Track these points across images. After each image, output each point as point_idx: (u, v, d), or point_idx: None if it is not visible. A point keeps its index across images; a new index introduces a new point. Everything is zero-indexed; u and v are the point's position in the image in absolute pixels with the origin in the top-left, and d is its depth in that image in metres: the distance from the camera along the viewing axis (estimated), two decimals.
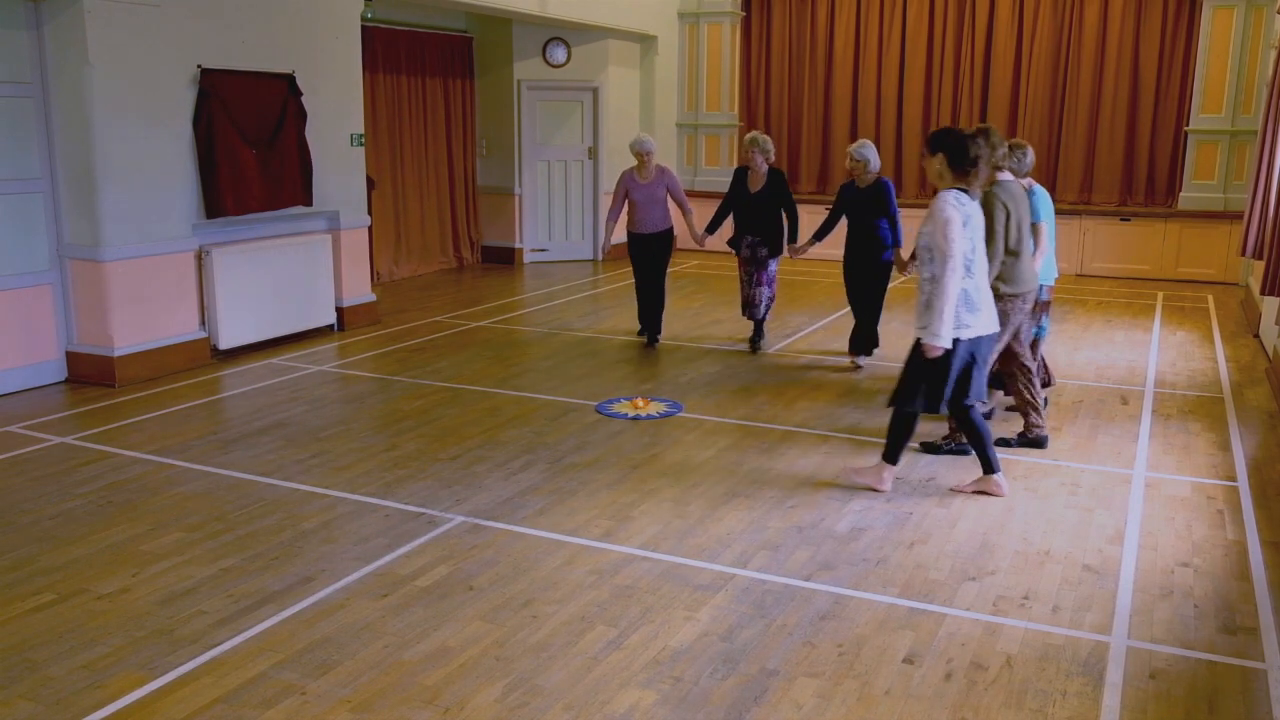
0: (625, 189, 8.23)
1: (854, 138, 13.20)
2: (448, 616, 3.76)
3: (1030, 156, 5.88)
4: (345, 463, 5.45)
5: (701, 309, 9.80)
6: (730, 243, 8.19)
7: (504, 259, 12.81)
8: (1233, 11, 11.29)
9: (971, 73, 12.95)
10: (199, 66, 7.32)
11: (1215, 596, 3.98)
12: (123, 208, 6.92)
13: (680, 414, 6.36)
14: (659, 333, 8.44)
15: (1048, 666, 3.45)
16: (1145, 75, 12.16)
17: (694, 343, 8.37)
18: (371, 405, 6.57)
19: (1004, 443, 5.61)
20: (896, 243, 7.44)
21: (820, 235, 7.78)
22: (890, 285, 7.75)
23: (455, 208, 12.37)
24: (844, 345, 8.21)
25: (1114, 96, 12.30)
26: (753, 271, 8.02)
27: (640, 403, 6.51)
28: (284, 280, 8.09)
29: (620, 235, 8.86)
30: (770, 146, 7.87)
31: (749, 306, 8.17)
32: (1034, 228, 5.63)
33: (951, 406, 4.89)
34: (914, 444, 5.78)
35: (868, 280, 7.57)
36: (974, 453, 5.08)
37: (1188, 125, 11.77)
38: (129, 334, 7.03)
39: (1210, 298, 10.69)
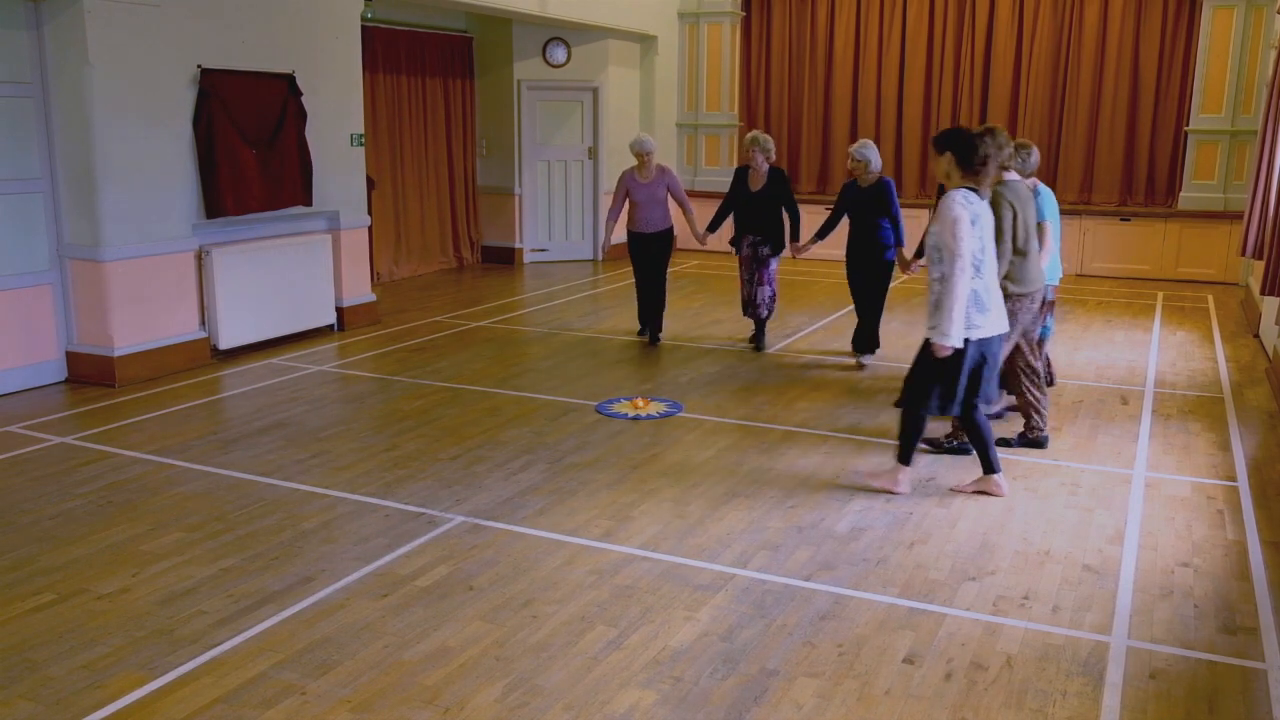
0: (626, 188, 8.26)
1: (854, 138, 13.20)
2: (448, 616, 3.76)
3: (1035, 156, 5.88)
4: (345, 463, 5.45)
5: (701, 309, 9.80)
6: (731, 242, 8.21)
7: (504, 259, 12.81)
8: (1233, 11, 11.29)
9: (971, 73, 12.95)
10: (199, 66, 7.32)
11: (1215, 596, 3.98)
12: (123, 208, 6.92)
13: (680, 414, 6.36)
14: (660, 330, 8.47)
15: (1048, 666, 3.45)
16: (1145, 75, 12.16)
17: (694, 343, 8.37)
18: (371, 405, 6.57)
19: (1004, 443, 5.61)
20: (899, 242, 7.46)
21: (822, 234, 7.80)
22: (891, 285, 7.76)
23: (455, 208, 12.37)
24: (844, 345, 8.22)
25: (1114, 96, 12.30)
26: (754, 271, 8.03)
27: (640, 403, 6.51)
28: (284, 280, 8.09)
29: (620, 235, 8.88)
30: (771, 146, 7.88)
31: (750, 306, 8.18)
32: (1039, 227, 5.63)
33: (959, 406, 4.88)
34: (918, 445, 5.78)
35: (869, 279, 7.59)
36: (975, 452, 5.08)
37: (1188, 125, 11.77)
38: (129, 334, 7.03)
39: (1210, 298, 10.69)
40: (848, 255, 7.68)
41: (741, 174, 8.03)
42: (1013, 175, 5.45)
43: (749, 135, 7.94)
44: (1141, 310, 9.96)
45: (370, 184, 9.82)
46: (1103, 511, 4.82)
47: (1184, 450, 5.74)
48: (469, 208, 12.57)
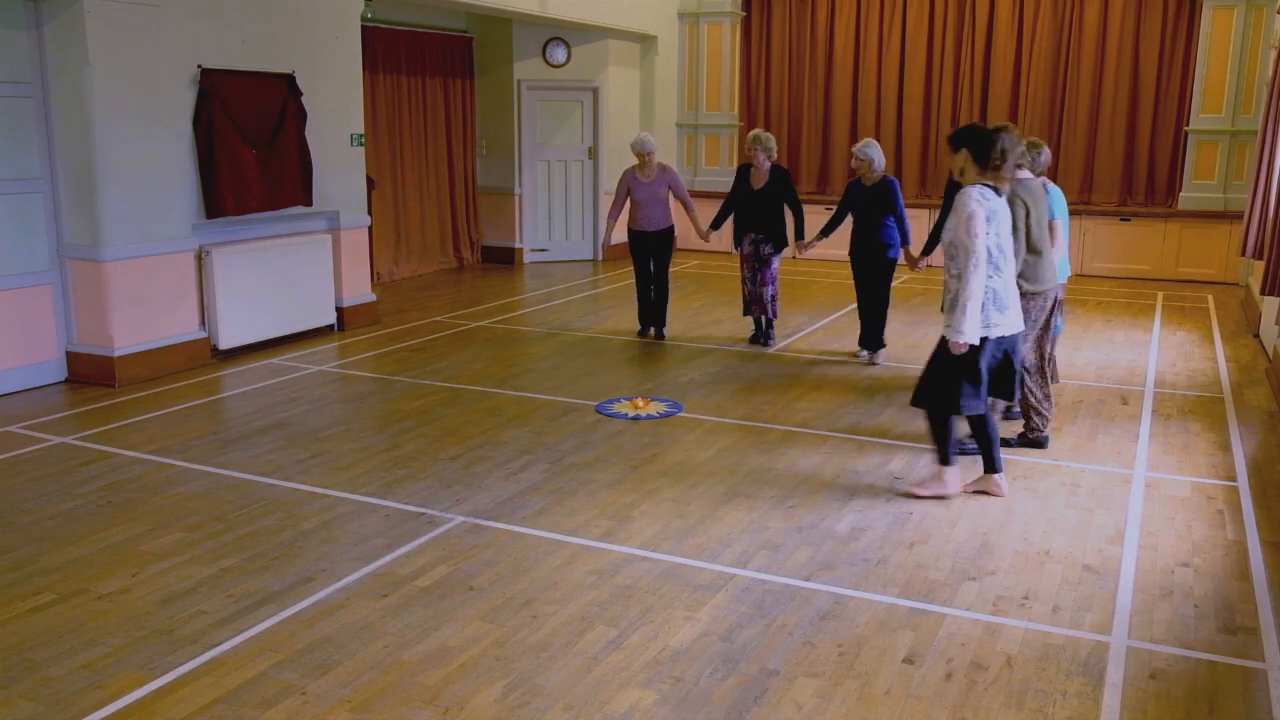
0: (627, 187, 8.31)
1: (854, 138, 13.19)
2: (448, 616, 3.76)
3: (1046, 154, 5.91)
4: (345, 463, 5.45)
5: (701, 309, 9.80)
6: (733, 240, 8.25)
7: (504, 259, 12.81)
8: (1233, 11, 11.28)
9: (971, 73, 12.95)
10: (199, 66, 7.32)
11: (1215, 596, 3.98)
12: (123, 208, 6.92)
13: (680, 414, 6.36)
14: (664, 325, 8.55)
15: (1048, 666, 3.45)
16: (1145, 75, 12.16)
17: (694, 343, 8.37)
18: (371, 405, 6.57)
19: (1004, 442, 5.60)
20: (905, 240, 7.51)
21: (826, 232, 7.85)
22: (894, 284, 7.79)
23: (455, 208, 12.37)
24: (844, 345, 8.23)
25: (1114, 96, 12.30)
26: (756, 270, 8.05)
27: (640, 403, 6.51)
28: (284, 280, 8.09)
29: (621, 235, 8.91)
30: (773, 144, 7.91)
31: (752, 305, 8.20)
32: (1049, 225, 5.64)
33: (984, 404, 4.86)
34: (919, 445, 5.79)
35: (873, 278, 7.64)
36: (978, 451, 5.08)
37: (1188, 125, 11.77)
38: (129, 334, 7.03)
39: (1210, 298, 10.69)
40: (851, 254, 7.73)
41: (744, 172, 8.05)
42: (1025, 173, 5.45)
43: (751, 134, 7.97)
44: (1141, 310, 9.96)
45: (370, 184, 9.82)
46: (1103, 511, 4.82)
47: (1184, 450, 5.74)
48: (469, 208, 12.57)
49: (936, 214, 11.55)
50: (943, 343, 4.77)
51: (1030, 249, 5.30)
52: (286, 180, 8.04)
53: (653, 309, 8.55)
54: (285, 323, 8.18)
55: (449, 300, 10.29)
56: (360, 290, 9.03)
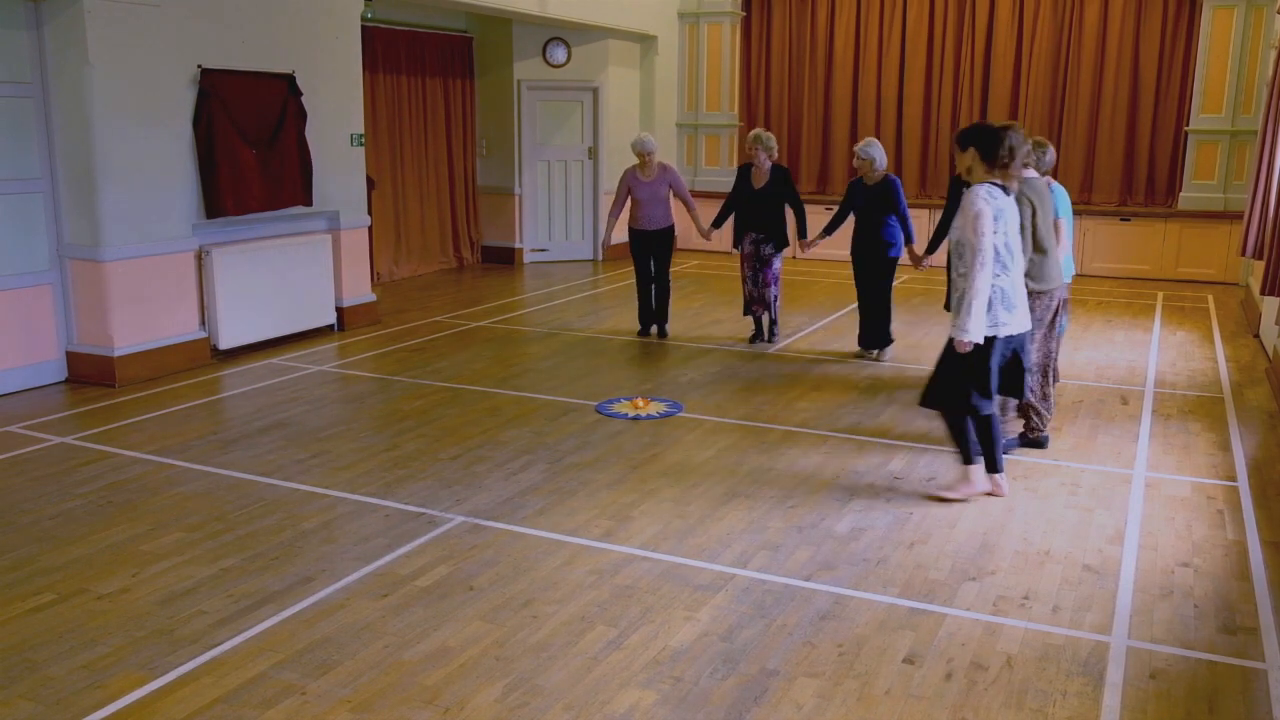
0: (628, 186, 8.36)
1: (854, 138, 13.20)
2: (448, 616, 3.76)
3: (1051, 154, 5.91)
4: (345, 463, 5.45)
5: (701, 309, 9.80)
6: (734, 239, 8.27)
7: (504, 259, 12.81)
8: (1233, 11, 11.28)
9: (971, 73, 12.95)
10: (199, 66, 7.32)
11: (1215, 596, 3.98)
12: (123, 208, 6.92)
13: (680, 414, 6.36)
14: (666, 321, 8.62)
15: (1048, 666, 3.45)
16: (1145, 75, 12.16)
17: (694, 343, 8.37)
18: (372, 405, 6.57)
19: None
20: (909, 239, 7.55)
21: (829, 230, 7.89)
22: (895, 283, 7.81)
23: (455, 208, 12.37)
24: (844, 345, 8.23)
25: (1114, 96, 12.30)
26: (757, 271, 8.08)
27: (640, 403, 6.51)
28: (284, 280, 8.09)
29: (622, 234, 8.93)
30: (773, 144, 7.95)
31: (753, 305, 8.22)
32: (1054, 224, 5.64)
33: (994, 403, 4.86)
34: (919, 445, 5.79)
35: (875, 277, 7.69)
36: (982, 450, 5.09)
37: (1188, 125, 11.77)
38: (129, 334, 7.03)
39: (1210, 298, 10.69)
40: (853, 253, 7.77)
41: (745, 171, 8.09)
42: (1030, 173, 5.44)
43: (752, 133, 8.00)
44: (1141, 310, 9.96)
45: (370, 184, 9.82)
46: (1103, 511, 4.82)
47: (1184, 450, 5.74)
48: (469, 208, 12.57)
49: (936, 214, 11.62)
50: (952, 343, 4.76)
51: (1036, 248, 5.30)
52: (286, 180, 8.04)
53: (654, 308, 8.60)
54: (285, 323, 8.18)
55: (449, 300, 10.29)
56: (360, 290, 9.03)
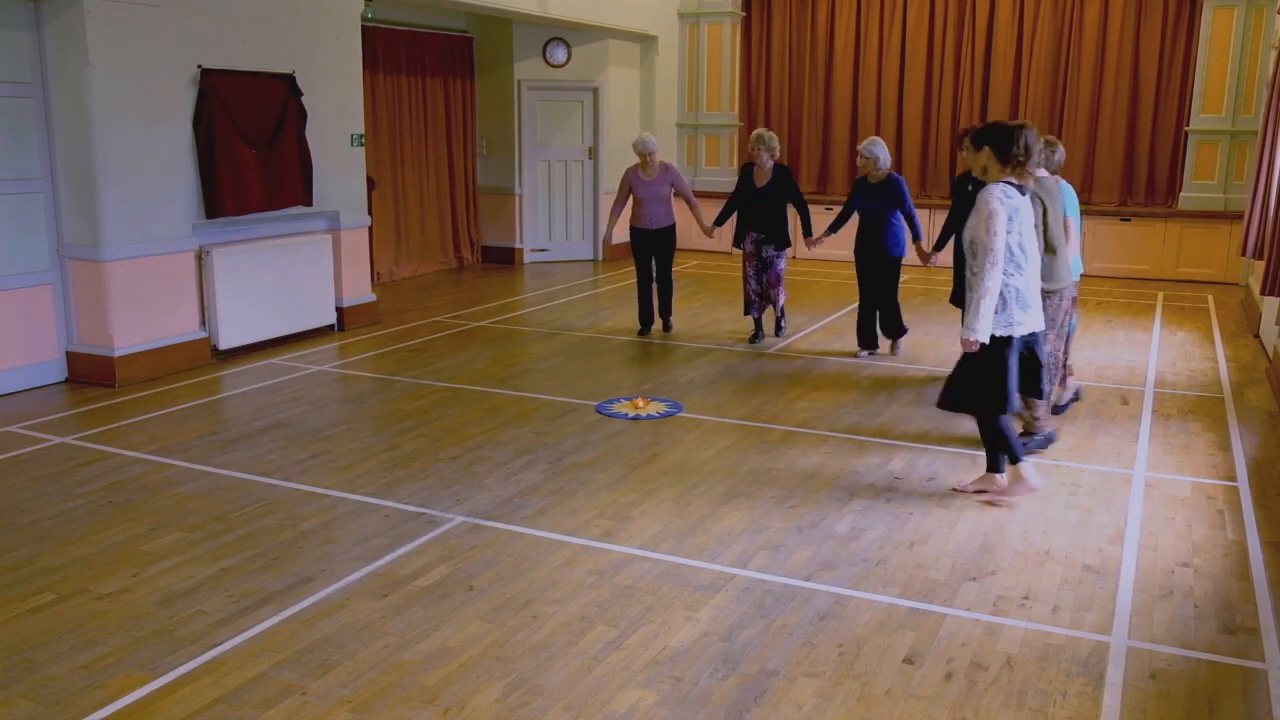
0: (629, 185, 8.41)
1: (854, 137, 13.23)
2: (448, 616, 3.76)
3: (1061, 152, 5.94)
4: (345, 463, 5.45)
5: (701, 309, 9.80)
6: (735, 239, 8.32)
7: (504, 259, 12.81)
8: (1233, 11, 11.28)
9: (971, 73, 12.95)
10: (199, 66, 7.32)
11: (1215, 596, 3.98)
12: (123, 208, 6.92)
13: (680, 414, 6.36)
14: (669, 315, 8.72)
15: (1048, 666, 3.45)
16: (1145, 75, 12.16)
17: (694, 342, 8.37)
18: (372, 405, 6.57)
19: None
20: (916, 236, 7.65)
21: (835, 228, 8.00)
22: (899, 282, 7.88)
23: (455, 208, 12.37)
24: (844, 344, 8.24)
25: (1114, 96, 12.29)
26: (760, 272, 8.16)
27: (640, 403, 6.51)
28: (284, 280, 8.09)
29: (623, 234, 8.98)
30: (775, 144, 8.03)
31: (755, 302, 8.25)
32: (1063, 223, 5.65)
33: (1014, 403, 4.85)
34: (919, 445, 5.79)
35: (880, 276, 7.75)
36: (983, 449, 5.08)
37: (1188, 125, 11.77)
38: (129, 334, 7.03)
39: (1210, 298, 10.69)
40: (857, 252, 7.82)
41: (747, 171, 8.17)
42: (1041, 172, 5.44)
43: (754, 133, 8.07)
44: (1141, 310, 9.96)
45: (370, 184, 9.82)
46: (1103, 511, 4.82)
47: (1184, 450, 5.74)
48: (469, 208, 12.57)
49: (936, 213, 11.64)
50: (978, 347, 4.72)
51: (1046, 248, 5.29)
52: (286, 180, 8.04)
53: (658, 305, 8.69)
54: (285, 323, 8.18)
55: (449, 300, 10.29)
56: (360, 290, 9.03)
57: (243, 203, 7.66)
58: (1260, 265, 8.64)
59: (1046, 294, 5.34)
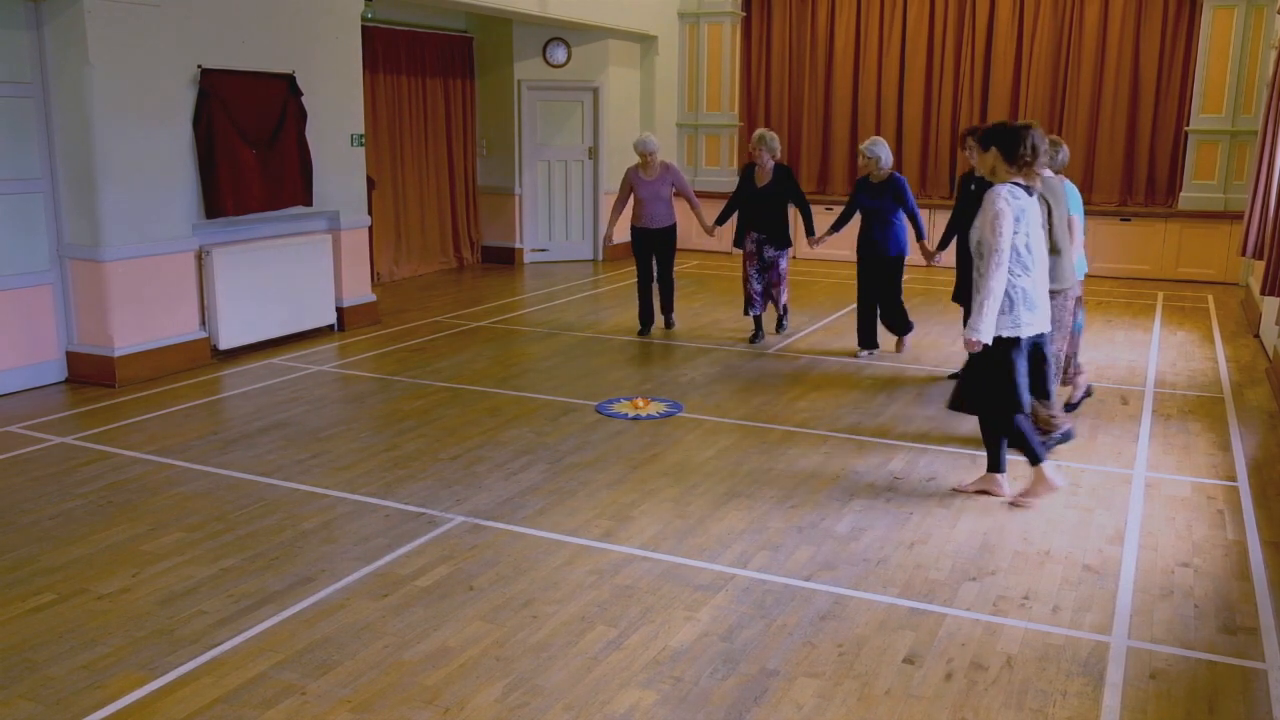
0: (630, 184, 8.46)
1: (854, 137, 13.24)
2: (448, 616, 3.76)
3: (1065, 152, 5.93)
4: (345, 463, 5.45)
5: (701, 309, 9.80)
6: (735, 239, 8.35)
7: (504, 259, 12.81)
8: (1233, 11, 11.28)
9: (971, 73, 12.95)
10: (199, 66, 7.32)
11: (1215, 596, 3.98)
12: (123, 208, 6.92)
13: (680, 414, 6.35)
14: (671, 312, 8.79)
15: (1048, 666, 3.45)
16: (1145, 75, 12.16)
17: (694, 342, 8.37)
18: (372, 405, 6.57)
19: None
20: (920, 234, 7.71)
21: (837, 227, 8.07)
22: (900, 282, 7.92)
23: (455, 208, 12.37)
24: (844, 344, 8.24)
25: (1114, 96, 12.29)
26: (763, 273, 8.20)
27: (640, 403, 6.51)
28: (284, 280, 8.09)
29: (624, 235, 9.00)
30: (777, 145, 8.09)
31: (755, 301, 8.26)
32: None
33: (1027, 404, 4.84)
34: (919, 445, 5.79)
35: (883, 275, 7.78)
36: (984, 448, 5.08)
37: (1188, 125, 11.77)
38: (129, 334, 7.03)
39: (1210, 298, 10.69)
40: (859, 252, 7.85)
41: (748, 171, 8.23)
42: (1046, 171, 5.44)
43: (756, 134, 8.13)
44: (1142, 310, 9.96)
45: (370, 184, 9.82)
46: (1103, 511, 4.82)
47: (1184, 450, 5.73)
48: (469, 208, 12.57)
49: (936, 213, 11.64)
50: (985, 349, 4.70)
51: (1050, 248, 5.29)
52: (286, 180, 8.04)
53: (660, 303, 8.74)
54: (285, 323, 8.18)
55: (449, 300, 10.29)
56: (360, 290, 9.03)
57: (243, 203, 7.66)
58: (1260, 265, 8.64)
59: (1051, 294, 5.33)
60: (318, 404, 6.58)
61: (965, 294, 6.49)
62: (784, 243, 8.15)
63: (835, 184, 13.68)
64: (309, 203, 8.29)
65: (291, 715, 3.14)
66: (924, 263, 7.73)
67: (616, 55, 12.92)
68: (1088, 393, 6.51)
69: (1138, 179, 12.36)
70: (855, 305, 8.16)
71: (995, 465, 4.99)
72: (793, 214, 8.22)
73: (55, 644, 3.56)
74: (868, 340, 7.94)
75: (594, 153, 12.90)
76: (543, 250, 12.93)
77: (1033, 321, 4.70)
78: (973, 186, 6.66)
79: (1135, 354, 8.09)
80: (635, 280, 8.76)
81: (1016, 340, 4.67)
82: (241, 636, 3.61)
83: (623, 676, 3.36)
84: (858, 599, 3.92)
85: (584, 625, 3.70)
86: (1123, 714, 3.19)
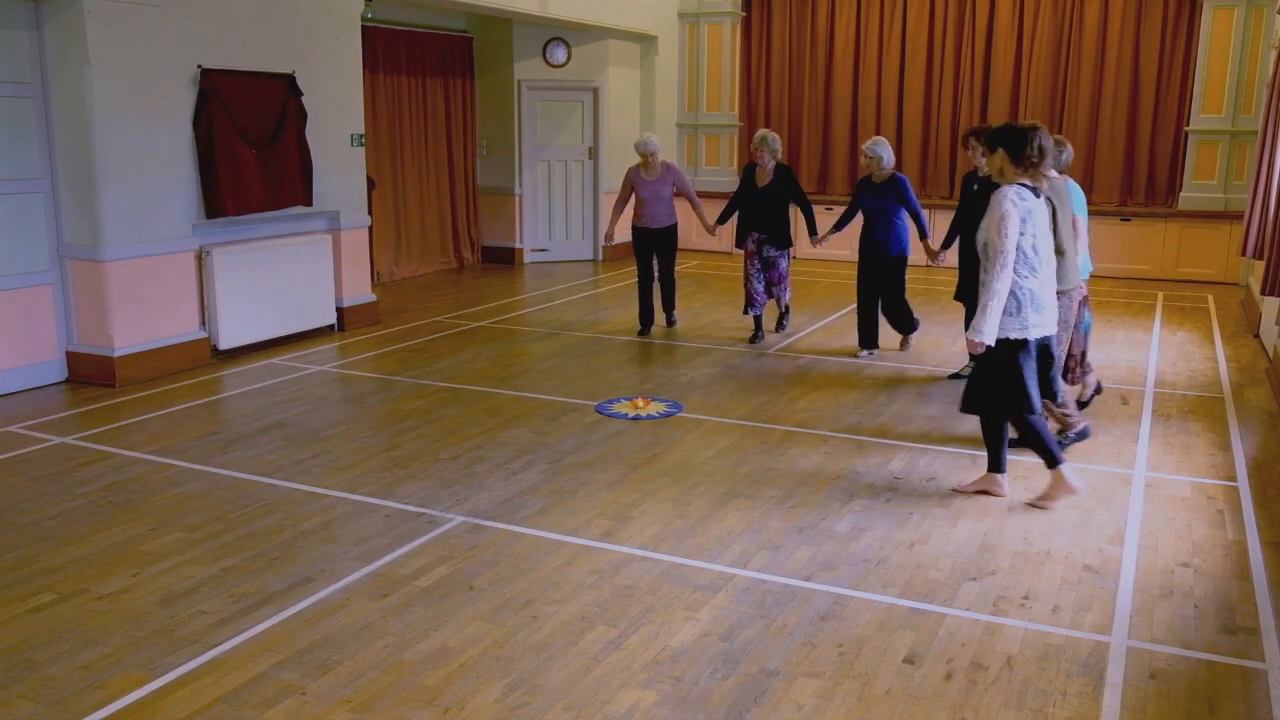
0: (631, 184, 8.48)
1: (855, 137, 13.25)
2: (448, 616, 3.76)
3: (1069, 151, 5.93)
4: (345, 463, 5.45)
5: (701, 309, 9.80)
6: (737, 240, 8.37)
7: (504, 259, 12.81)
8: (1233, 11, 11.28)
9: (971, 73, 12.95)
10: (199, 66, 7.32)
11: (1215, 596, 3.98)
12: (123, 208, 6.92)
13: (680, 414, 6.36)
14: (674, 310, 8.84)
15: (1048, 666, 3.45)
16: (1145, 75, 12.16)
17: (694, 342, 8.37)
18: (372, 405, 6.57)
19: (1010, 442, 5.59)
20: (923, 233, 7.74)
21: (839, 226, 8.12)
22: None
23: (455, 208, 12.37)
24: (844, 344, 8.24)
25: (1114, 96, 12.29)
26: (765, 272, 8.22)
27: (640, 403, 6.51)
28: (284, 280, 8.09)
29: (625, 234, 9.01)
30: (778, 145, 8.14)
31: (757, 300, 8.27)
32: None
33: (1038, 404, 4.84)
34: (919, 445, 5.79)
35: (885, 275, 7.80)
36: (985, 448, 5.08)
37: (1188, 125, 11.77)
38: (129, 334, 7.03)
39: (1210, 298, 10.69)
40: (861, 251, 7.86)
41: (749, 171, 8.27)
42: (1052, 173, 5.43)
43: (758, 134, 8.17)
44: (1141, 310, 9.96)
45: (370, 184, 9.82)
46: (1103, 511, 4.82)
47: (1184, 450, 5.73)
48: (469, 208, 12.57)
49: (936, 213, 11.63)
50: (990, 350, 4.68)
51: (1056, 249, 5.29)
52: (286, 180, 8.04)
53: (661, 302, 8.78)
54: (285, 323, 8.18)
55: (449, 300, 10.29)
56: (360, 290, 9.03)
57: (243, 203, 7.66)
58: (1260, 265, 8.64)
59: (1057, 294, 5.33)
60: (318, 404, 6.58)
61: (968, 293, 6.49)
62: (785, 243, 8.17)
63: (835, 184, 13.68)
64: (309, 203, 8.29)
65: (291, 715, 3.14)
66: (926, 262, 7.71)
67: (616, 55, 12.92)
68: (1098, 390, 6.52)
69: (1138, 179, 12.36)
70: (855, 305, 8.16)
71: (995, 465, 4.99)
72: (794, 214, 8.24)
73: (55, 644, 3.56)
74: (868, 340, 7.95)
75: (594, 153, 12.90)
76: (543, 250, 12.93)
77: (1040, 323, 4.69)
78: (975, 186, 6.67)
79: (1135, 354, 8.09)
80: (635, 280, 8.76)
81: (1024, 342, 4.67)
82: (241, 636, 3.61)
83: (623, 676, 3.36)
84: (858, 599, 3.92)
85: (584, 625, 3.70)
86: (1123, 714, 3.19)
